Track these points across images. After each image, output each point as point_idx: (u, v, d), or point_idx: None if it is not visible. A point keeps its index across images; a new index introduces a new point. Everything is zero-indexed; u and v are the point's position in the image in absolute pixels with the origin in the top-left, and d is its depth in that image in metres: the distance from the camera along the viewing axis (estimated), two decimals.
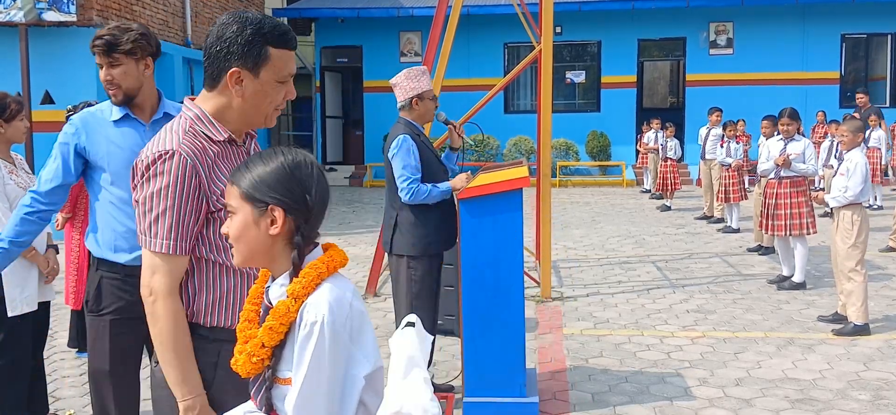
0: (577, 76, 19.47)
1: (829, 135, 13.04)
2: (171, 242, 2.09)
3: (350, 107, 21.09)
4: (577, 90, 19.75)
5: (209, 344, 2.19)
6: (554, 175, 17.62)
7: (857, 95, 14.44)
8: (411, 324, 3.68)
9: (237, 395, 2.23)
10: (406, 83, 4.67)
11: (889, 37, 18.43)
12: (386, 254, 4.89)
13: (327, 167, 19.66)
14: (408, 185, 4.53)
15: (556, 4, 15.18)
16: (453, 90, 15.78)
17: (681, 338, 6.24)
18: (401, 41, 19.58)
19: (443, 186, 4.65)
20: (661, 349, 5.94)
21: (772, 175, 7.88)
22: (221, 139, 2.20)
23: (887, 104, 18.10)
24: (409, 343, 3.62)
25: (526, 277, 6.86)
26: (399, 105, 4.73)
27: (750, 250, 9.77)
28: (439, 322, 5.14)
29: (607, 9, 18.51)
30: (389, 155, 4.62)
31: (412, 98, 4.66)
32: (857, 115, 12.86)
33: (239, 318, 2.09)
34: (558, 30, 18.36)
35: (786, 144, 7.83)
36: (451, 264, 5.29)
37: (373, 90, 19.38)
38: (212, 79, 2.18)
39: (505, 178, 4.45)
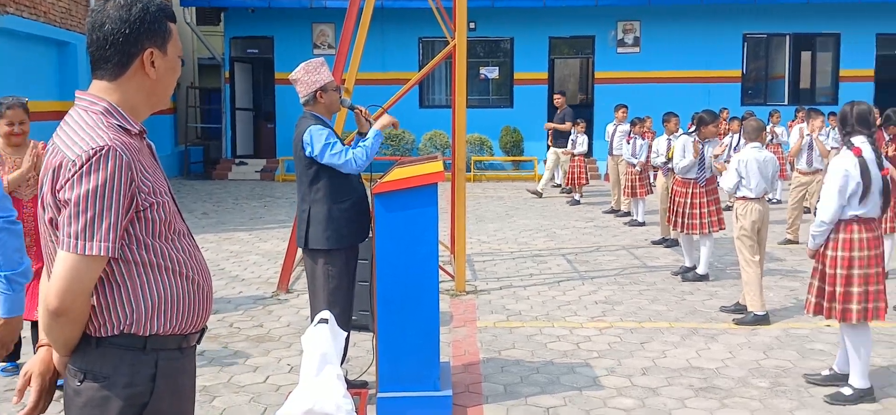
0: (491, 72, 19.66)
1: (731, 131, 13.55)
2: (110, 244, 1.97)
3: (261, 99, 20.70)
4: (491, 86, 19.94)
5: (145, 355, 2.08)
6: (468, 170, 17.76)
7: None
8: (324, 321, 3.66)
9: (176, 405, 2.16)
10: (306, 77, 4.60)
11: (787, 37, 19.28)
12: (300, 250, 4.84)
13: (237, 161, 19.26)
14: (344, 156, 4.49)
15: (470, 0, 15.28)
16: (368, 84, 15.66)
17: (589, 329, 6.39)
18: (314, 33, 19.35)
19: (371, 133, 4.68)
20: (570, 340, 6.07)
21: (691, 175, 8.10)
22: (136, 132, 2.12)
23: (786, 102, 18.94)
24: (322, 340, 3.60)
25: (440, 271, 6.89)
26: (303, 100, 4.66)
27: (655, 243, 10.09)
28: (354, 318, 5.12)
29: (519, 6, 18.74)
30: (305, 148, 4.54)
31: (315, 91, 4.61)
32: (750, 114, 13.39)
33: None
34: (472, 26, 18.48)
35: (704, 145, 8.08)
36: (365, 259, 5.28)
37: (285, 82, 19.03)
38: (119, 66, 2.09)
39: (420, 172, 4.46)
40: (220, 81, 19.99)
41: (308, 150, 4.52)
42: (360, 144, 4.65)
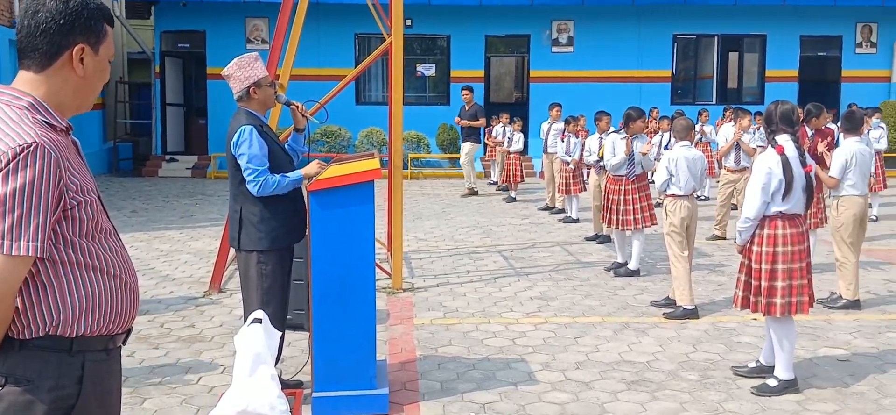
0: (428, 69, 19.68)
1: (661, 130, 13.86)
2: (38, 244, 1.91)
3: (193, 94, 20.29)
4: (428, 83, 19.97)
5: (72, 357, 2.02)
6: (405, 167, 17.74)
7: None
8: (258, 320, 3.61)
9: (103, 408, 2.10)
10: (239, 73, 4.51)
11: (716, 38, 19.80)
12: (233, 249, 4.76)
13: (168, 158, 18.84)
14: (255, 177, 4.41)
15: None
16: (303, 79, 15.51)
17: (525, 324, 6.46)
18: (247, 27, 19.07)
19: (293, 175, 4.55)
20: (506, 336, 6.13)
21: (622, 171, 8.25)
22: (63, 128, 2.06)
23: (714, 102, 19.45)
24: (255, 340, 3.55)
25: (377, 269, 6.87)
26: (236, 96, 4.58)
27: (588, 239, 10.25)
28: (288, 317, 5.06)
29: (456, 4, 18.80)
30: (232, 148, 4.47)
31: (249, 87, 4.53)
32: (679, 113, 13.72)
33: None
34: (408, 23, 18.46)
35: (634, 140, 8.25)
36: (300, 258, 5.23)
37: (217, 77, 18.68)
38: (46, 56, 2.02)
39: (356, 169, 4.44)
40: (151, 76, 19.53)
41: (235, 149, 4.44)
42: (279, 175, 4.46)
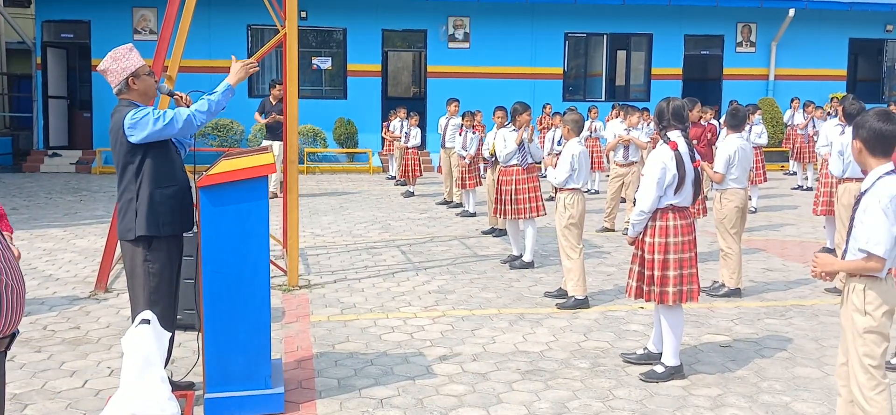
0: (324, 63, 19.47)
1: (553, 126, 14.17)
2: None
3: (76, 86, 19.40)
4: (324, 76, 19.76)
5: None
6: (301, 161, 17.51)
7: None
8: (146, 321, 3.49)
9: None
10: (115, 65, 4.39)
11: (605, 36, 20.39)
12: (119, 246, 4.58)
13: (50, 152, 17.95)
14: (182, 117, 4.34)
15: None
16: (193, 71, 15.08)
17: (423, 318, 6.49)
18: (134, 17, 18.36)
19: (221, 87, 4.53)
20: (404, 330, 6.14)
21: (513, 161, 8.40)
22: None
23: (603, 99, 20.03)
24: (144, 341, 3.44)
25: (272, 266, 6.76)
26: (116, 90, 4.43)
27: (484, 233, 10.39)
28: (178, 317, 4.91)
29: None
30: (129, 136, 4.30)
31: (127, 78, 4.40)
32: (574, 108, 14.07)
33: None
34: (303, 15, 18.23)
35: (521, 131, 8.42)
36: (190, 256, 5.07)
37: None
38: None
39: (249, 164, 4.34)
40: (32, 67, 18.54)
41: (133, 135, 4.28)
42: (203, 96, 4.49)
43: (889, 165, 3.72)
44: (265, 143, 13.36)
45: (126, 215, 4.41)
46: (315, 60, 19.37)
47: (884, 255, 3.56)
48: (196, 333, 5.56)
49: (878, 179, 3.68)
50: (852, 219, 3.76)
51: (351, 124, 19.00)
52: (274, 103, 13.14)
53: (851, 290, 3.76)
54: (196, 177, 4.42)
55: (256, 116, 13.80)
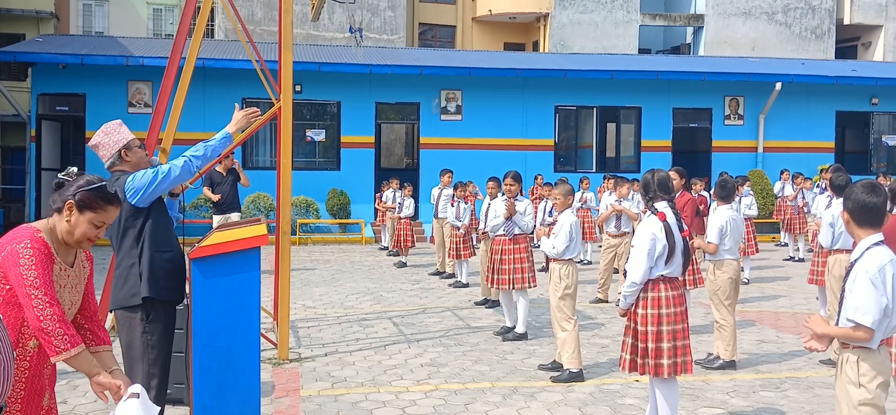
0: (318, 135, 19.63)
1: (545, 197, 14.24)
2: None
3: (70, 159, 19.44)
4: (318, 148, 19.90)
5: None
6: (294, 232, 17.50)
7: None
8: (136, 395, 3.44)
9: None
10: (107, 139, 4.43)
11: (595, 109, 20.66)
12: (111, 317, 4.54)
13: None
14: (178, 166, 4.35)
15: (296, 63, 15.26)
16: (188, 143, 15.15)
17: (415, 392, 6.40)
18: (129, 91, 18.54)
19: (219, 134, 4.57)
20: (396, 405, 6.06)
21: (500, 231, 8.43)
22: None
23: (593, 170, 20.19)
24: None
25: (263, 339, 6.70)
26: (108, 164, 4.45)
27: (477, 304, 10.34)
28: (168, 391, 4.84)
29: (346, 71, 18.94)
30: (131, 197, 4.29)
31: (120, 150, 4.43)
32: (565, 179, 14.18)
33: None
34: (298, 88, 18.44)
35: (510, 202, 8.46)
36: (181, 329, 5.03)
37: None
38: None
39: (242, 236, 4.34)
40: (26, 140, 18.62)
41: (136, 196, 4.29)
42: (200, 143, 4.53)
43: (877, 236, 3.74)
44: (216, 219, 11.99)
45: (127, 281, 4.36)
46: (309, 132, 19.54)
47: (871, 325, 3.56)
48: (185, 407, 5.47)
49: (866, 249, 3.71)
50: (843, 289, 3.77)
51: (344, 195, 19.06)
52: (225, 176, 11.94)
53: (845, 361, 3.75)
54: (189, 249, 4.41)
55: (205, 191, 12.21)
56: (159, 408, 4.14)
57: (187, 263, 4.41)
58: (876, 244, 3.71)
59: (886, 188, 6.94)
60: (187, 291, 4.42)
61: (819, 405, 6.13)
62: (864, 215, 3.76)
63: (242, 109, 4.80)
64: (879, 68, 23.90)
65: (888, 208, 5.24)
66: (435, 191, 13.74)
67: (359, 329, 8.84)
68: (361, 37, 21.95)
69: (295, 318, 9.23)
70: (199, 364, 4.24)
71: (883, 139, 22.01)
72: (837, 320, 3.78)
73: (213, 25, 24.84)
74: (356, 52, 19.30)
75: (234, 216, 11.76)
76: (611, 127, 21.49)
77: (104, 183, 3.18)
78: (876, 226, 3.77)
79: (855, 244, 3.82)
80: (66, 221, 3.14)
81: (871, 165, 21.62)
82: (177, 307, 4.59)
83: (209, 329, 4.24)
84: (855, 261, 3.74)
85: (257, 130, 7.67)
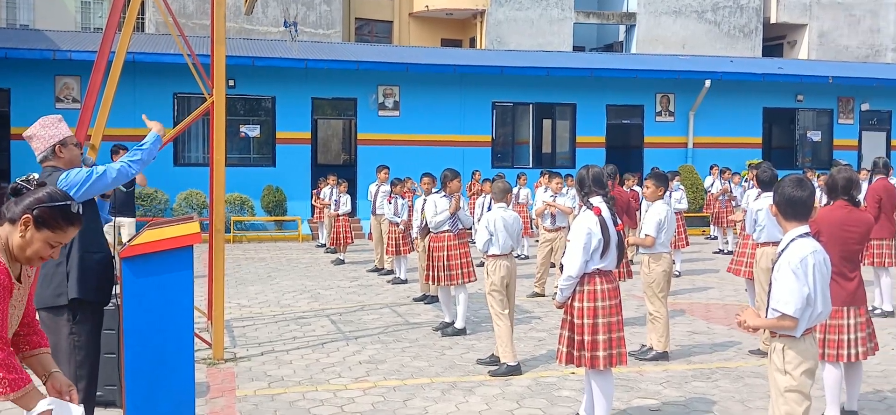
0: (252, 130, 19.34)
1: (483, 192, 14.32)
2: None
3: None
4: (252, 144, 19.61)
5: None
6: (228, 230, 17.21)
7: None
8: (49, 412, 3.32)
9: None
10: (44, 132, 4.32)
11: (531, 106, 20.85)
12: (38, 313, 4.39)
13: None
14: (116, 168, 4.29)
15: (230, 58, 15.03)
16: (119, 139, 14.75)
17: (354, 390, 6.37)
18: (57, 86, 17.95)
19: (149, 137, 4.51)
20: (334, 403, 6.02)
21: (444, 227, 8.43)
22: None
23: (530, 166, 20.37)
24: None
25: (196, 339, 6.57)
26: (40, 157, 4.33)
27: (416, 300, 10.34)
28: (98, 393, 4.71)
29: (281, 66, 18.70)
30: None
31: (54, 146, 4.31)
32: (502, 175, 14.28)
33: None
34: (231, 83, 18.13)
35: (456, 198, 8.48)
36: (111, 329, 4.89)
37: (22, 138, 17.44)
38: None
39: (174, 234, 4.25)
40: None
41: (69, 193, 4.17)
42: (134, 147, 4.45)
43: (802, 229, 3.88)
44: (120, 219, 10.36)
45: (53, 280, 4.23)
46: (243, 128, 19.23)
47: (794, 313, 3.69)
48: (117, 410, 5.33)
49: (791, 241, 3.84)
50: (771, 281, 3.89)
51: (279, 192, 18.82)
52: None
53: (773, 350, 3.87)
54: (119, 248, 4.30)
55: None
56: (84, 411, 4.03)
57: (117, 262, 4.29)
58: (801, 236, 3.84)
59: (814, 183, 7.19)
60: (118, 291, 4.31)
61: (749, 394, 6.31)
62: (791, 209, 3.89)
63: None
64: (804, 66, 24.75)
65: (827, 202, 5.44)
66: (372, 187, 13.68)
67: (296, 327, 8.75)
68: (296, 31, 21.75)
69: (230, 317, 9.09)
70: (131, 366, 4.14)
71: (808, 135, 22.77)
72: (766, 310, 3.90)
73: (143, 19, 24.24)
74: (291, 46, 19.11)
75: (126, 223, 10.54)
76: (547, 123, 21.73)
77: (69, 201, 2.93)
78: (802, 219, 3.90)
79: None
80: (21, 236, 2.87)
81: (796, 160, 22.35)
82: (106, 308, 4.48)
83: (141, 330, 4.14)
84: (781, 252, 3.86)
85: (189, 125, 7.52)
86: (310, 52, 19.90)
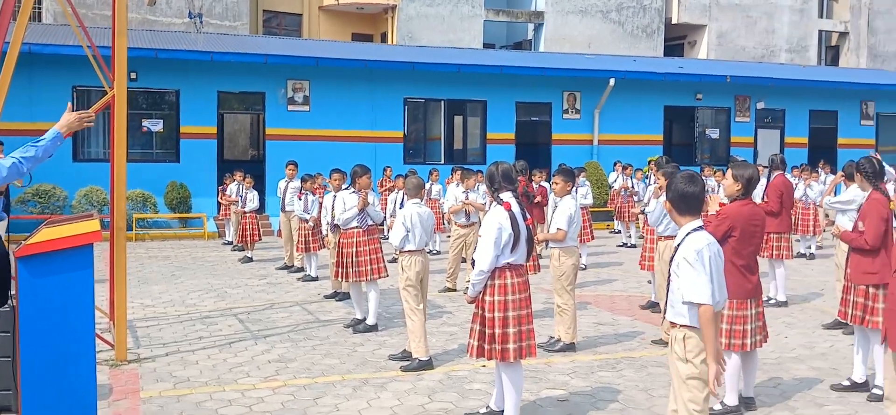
0: (155, 125, 18.77)
1: (396, 188, 14.32)
2: None
3: None
4: (155, 139, 19.02)
5: None
6: (130, 228, 16.65)
7: None
8: None
9: None
10: None
11: (442, 102, 20.95)
12: None
13: None
14: (6, 165, 4.10)
15: (131, 50, 14.53)
16: (14, 134, 14.08)
17: (263, 389, 6.28)
18: None
19: (49, 133, 4.27)
20: (243, 403, 5.92)
21: (353, 224, 8.36)
22: None
23: (442, 162, 20.48)
24: None
25: (98, 341, 6.34)
26: None
27: (327, 297, 10.25)
28: None
29: (186, 58, 18.20)
30: None
31: None
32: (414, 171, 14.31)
33: None
34: (133, 76, 17.55)
35: (364, 194, 8.41)
36: (6, 332, 4.67)
37: None
38: None
39: (73, 232, 4.09)
40: None
41: None
42: (30, 143, 4.23)
43: (697, 222, 4.05)
44: None
45: None
46: (146, 123, 18.63)
47: (708, 301, 3.86)
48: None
49: (686, 235, 4.01)
50: (670, 274, 4.05)
51: (184, 188, 18.31)
52: None
53: (674, 339, 4.03)
54: (14, 247, 4.11)
55: None
56: None
57: (13, 262, 4.11)
58: (695, 230, 4.01)
59: (712, 180, 7.47)
60: (13, 291, 4.12)
61: (652, 383, 6.53)
62: (684, 204, 4.07)
63: (76, 110, 4.49)
64: (703, 66, 25.72)
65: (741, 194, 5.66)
66: (281, 183, 13.47)
67: (202, 327, 8.55)
68: (202, 22, 21.25)
69: (133, 317, 8.81)
70: (29, 369, 3.97)
71: (706, 132, 23.66)
72: (666, 302, 4.05)
73: (40, 8, 23.17)
74: (196, 38, 18.62)
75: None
76: (458, 120, 21.88)
77: None
78: (695, 213, 4.08)
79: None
80: None
81: (696, 157, 23.19)
82: (0, 310, 4.28)
83: (39, 332, 3.97)
84: (678, 246, 4.03)
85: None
86: (216, 44, 19.45)
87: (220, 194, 17.50)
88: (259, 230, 14.16)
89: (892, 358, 4.54)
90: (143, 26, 22.73)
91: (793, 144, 23.75)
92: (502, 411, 5.39)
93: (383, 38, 27.91)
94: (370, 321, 8.35)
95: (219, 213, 18.00)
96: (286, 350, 7.52)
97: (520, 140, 21.41)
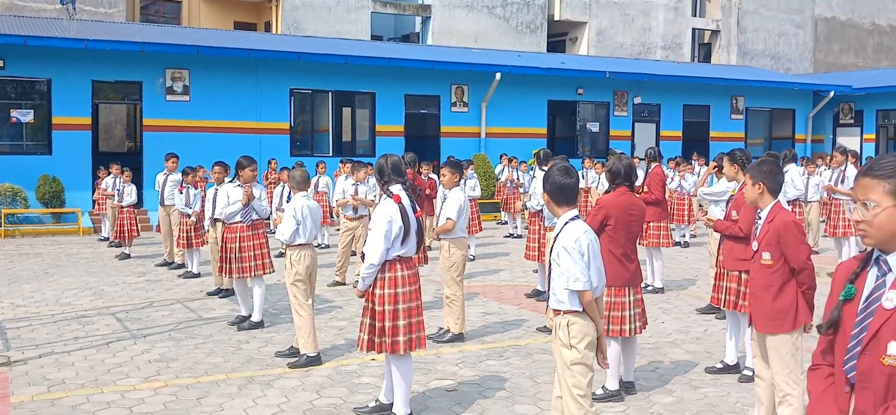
0: (25, 115, 17.73)
1: (282, 181, 14.07)
2: None
3: None
4: (25, 130, 17.97)
5: None
6: None
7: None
8: None
9: None
10: None
11: (330, 94, 20.72)
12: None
13: None
14: None
15: None
16: None
17: (143, 390, 6.06)
18: None
19: None
20: (122, 405, 5.69)
21: (237, 219, 8.14)
22: None
23: (330, 154, 20.27)
24: None
25: None
26: None
27: (210, 294, 9.97)
28: None
29: (57, 46, 17.27)
30: None
31: None
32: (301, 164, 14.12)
33: None
34: (1, 64, 16.52)
35: (249, 188, 8.20)
36: None
37: None
38: None
39: None
40: None
41: None
42: None
43: (573, 212, 4.19)
44: None
45: None
46: (14, 113, 17.58)
47: (586, 287, 4.00)
48: None
49: (564, 224, 4.14)
50: (550, 263, 4.17)
51: (57, 182, 17.38)
52: None
53: (558, 326, 4.14)
54: None
55: None
56: None
57: None
58: (572, 220, 4.15)
59: (592, 171, 7.67)
60: None
61: (538, 370, 6.69)
62: (561, 195, 4.20)
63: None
64: (584, 62, 26.50)
65: (609, 189, 5.87)
66: (160, 176, 12.97)
67: (78, 327, 8.16)
68: (75, 9, 20.24)
69: (2, 318, 8.32)
70: None
71: (587, 126, 24.40)
72: (548, 289, 4.17)
73: None
74: (69, 25, 17.69)
75: None
76: (346, 111, 21.70)
77: None
78: (571, 203, 4.22)
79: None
80: None
81: (577, 150, 23.88)
82: None
83: None
84: (556, 235, 4.15)
85: None
86: (90, 31, 18.55)
87: (95, 188, 16.71)
88: (137, 225, 13.62)
89: (758, 338, 4.82)
90: (10, 12, 21.44)
91: (668, 138, 24.81)
92: (391, 403, 5.40)
93: (267, 28, 27.33)
94: (255, 318, 8.18)
95: (94, 207, 17.19)
96: (167, 349, 7.28)
97: (409, 132, 21.45)
